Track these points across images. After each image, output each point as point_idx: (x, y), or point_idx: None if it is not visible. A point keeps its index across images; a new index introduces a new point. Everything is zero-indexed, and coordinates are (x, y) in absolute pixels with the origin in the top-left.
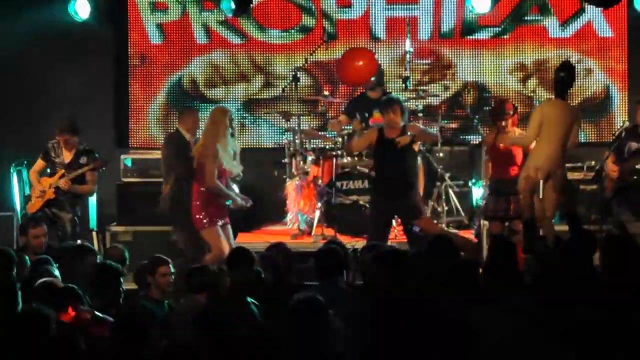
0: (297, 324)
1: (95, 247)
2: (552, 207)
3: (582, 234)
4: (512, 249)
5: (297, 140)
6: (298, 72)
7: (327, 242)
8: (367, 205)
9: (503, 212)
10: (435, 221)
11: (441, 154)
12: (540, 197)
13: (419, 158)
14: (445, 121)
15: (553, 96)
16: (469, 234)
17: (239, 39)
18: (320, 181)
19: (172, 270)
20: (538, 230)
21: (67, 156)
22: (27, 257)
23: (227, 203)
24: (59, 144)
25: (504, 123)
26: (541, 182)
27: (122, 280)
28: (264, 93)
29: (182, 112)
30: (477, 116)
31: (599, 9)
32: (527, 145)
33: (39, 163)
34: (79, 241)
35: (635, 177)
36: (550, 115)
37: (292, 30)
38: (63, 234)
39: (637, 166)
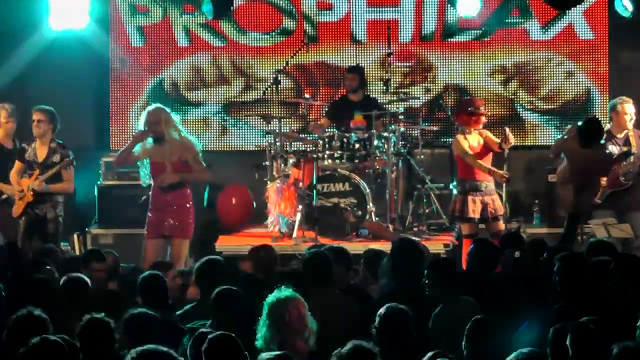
0: None
1: (77, 249)
2: None
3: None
4: None
5: (277, 143)
6: (279, 75)
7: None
8: (348, 207)
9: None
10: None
11: (422, 157)
12: None
13: (399, 161)
14: (426, 124)
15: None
16: (450, 237)
17: (220, 42)
18: (301, 184)
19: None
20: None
21: (41, 154)
22: None
23: None
24: (34, 142)
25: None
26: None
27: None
28: (244, 96)
29: None
30: None
31: (580, 11)
32: None
33: (17, 164)
34: (62, 244)
35: (624, 179)
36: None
37: (273, 33)
38: (46, 235)
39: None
